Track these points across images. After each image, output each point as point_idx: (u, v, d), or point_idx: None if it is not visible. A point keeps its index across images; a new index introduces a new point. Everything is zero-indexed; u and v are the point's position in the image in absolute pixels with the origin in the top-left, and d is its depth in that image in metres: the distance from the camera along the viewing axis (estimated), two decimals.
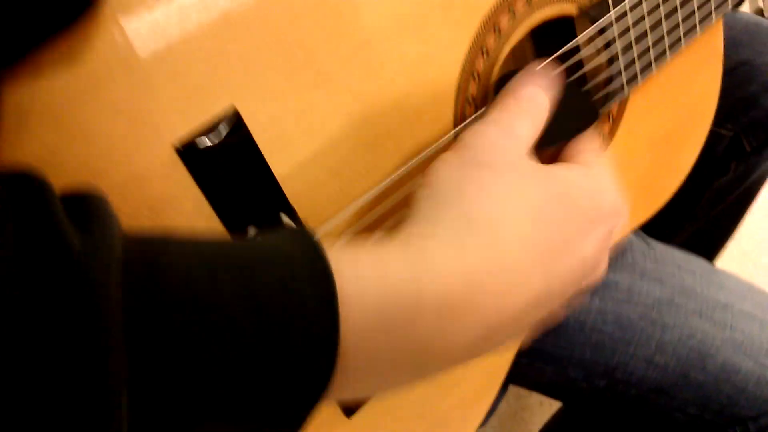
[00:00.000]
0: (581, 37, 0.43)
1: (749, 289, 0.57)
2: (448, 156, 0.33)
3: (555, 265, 0.31)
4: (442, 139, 0.39)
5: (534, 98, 0.35)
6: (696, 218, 0.83)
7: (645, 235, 0.60)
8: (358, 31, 0.34)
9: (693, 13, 0.47)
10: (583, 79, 0.45)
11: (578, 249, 0.32)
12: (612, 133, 0.48)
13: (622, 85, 0.46)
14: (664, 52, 0.47)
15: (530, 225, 0.30)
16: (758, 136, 0.74)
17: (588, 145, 0.38)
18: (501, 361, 0.50)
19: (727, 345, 0.53)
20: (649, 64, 0.47)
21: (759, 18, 0.75)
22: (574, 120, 0.40)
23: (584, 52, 0.44)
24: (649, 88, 0.49)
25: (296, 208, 0.34)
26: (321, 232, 0.36)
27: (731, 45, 0.71)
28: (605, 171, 0.36)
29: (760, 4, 1.89)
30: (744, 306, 0.55)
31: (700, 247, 0.84)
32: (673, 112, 0.52)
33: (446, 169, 0.33)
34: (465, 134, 0.34)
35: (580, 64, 0.44)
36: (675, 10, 0.46)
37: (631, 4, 0.44)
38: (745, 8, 1.93)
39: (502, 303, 0.28)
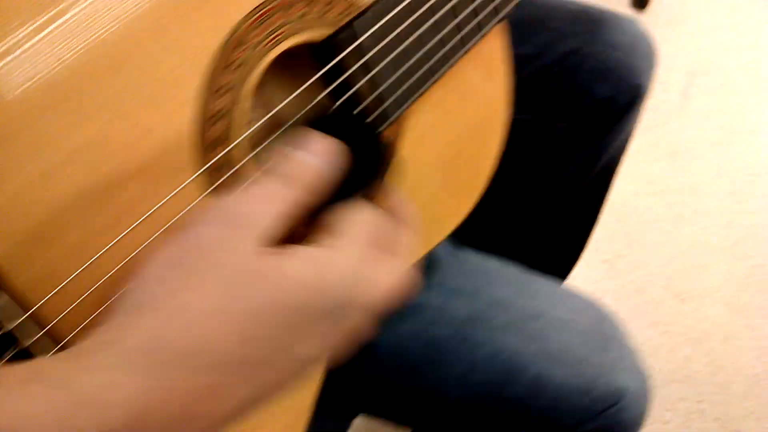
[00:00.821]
0: (330, 66, 0.41)
1: (564, 295, 0.57)
2: (161, 249, 0.30)
3: (261, 375, 0.28)
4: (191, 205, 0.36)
5: (292, 173, 0.31)
6: (551, 212, 0.83)
7: (457, 248, 0.58)
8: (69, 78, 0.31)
9: (458, 30, 0.46)
10: (352, 107, 0.43)
11: (292, 355, 0.29)
12: None
13: (390, 109, 0.44)
14: (431, 70, 0.45)
15: (235, 343, 0.27)
16: (595, 122, 0.73)
17: (347, 215, 0.32)
18: (302, 398, 0.48)
19: (539, 357, 0.52)
20: (418, 84, 0.45)
21: (585, 5, 0.74)
22: (362, 169, 0.35)
23: (345, 79, 0.42)
24: (428, 105, 0.47)
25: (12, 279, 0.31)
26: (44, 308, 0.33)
27: (559, 35, 0.70)
28: (351, 251, 0.31)
29: None
30: (558, 313, 0.54)
31: (573, 233, 0.84)
32: (460, 123, 0.50)
33: (153, 266, 0.29)
34: (189, 216, 0.31)
35: (344, 89, 0.42)
36: (437, 30, 0.45)
37: (382, 25, 0.42)
38: None
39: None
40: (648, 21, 1.96)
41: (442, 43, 0.45)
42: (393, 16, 0.42)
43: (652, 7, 1.97)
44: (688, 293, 1.39)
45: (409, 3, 0.42)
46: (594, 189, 0.82)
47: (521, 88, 0.73)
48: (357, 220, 0.31)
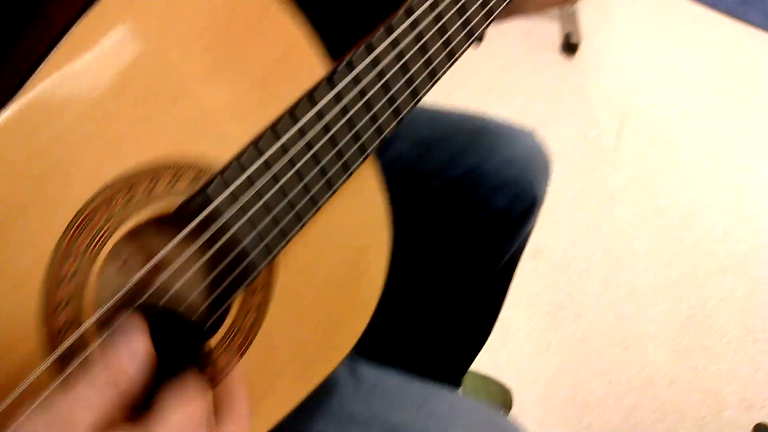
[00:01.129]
0: (179, 237, 0.41)
1: (465, 409, 0.57)
2: None
3: None
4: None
5: (108, 378, 0.32)
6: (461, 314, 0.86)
7: (356, 362, 0.59)
8: None
9: (322, 175, 0.46)
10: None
11: None
12: (263, 308, 0.46)
13: (257, 260, 0.44)
14: (298, 217, 0.46)
15: None
16: (495, 231, 0.77)
17: (166, 402, 0.33)
18: None
19: None
20: (285, 232, 0.45)
21: (483, 121, 0.78)
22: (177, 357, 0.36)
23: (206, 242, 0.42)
24: (305, 240, 0.48)
25: None
26: None
27: (460, 152, 0.73)
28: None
29: (572, 31, 1.98)
30: (456, 430, 0.55)
31: (475, 331, 0.87)
32: (340, 254, 0.50)
33: None
34: (27, 412, 0.31)
35: (204, 251, 0.42)
36: (300, 178, 0.45)
37: (236, 188, 0.42)
38: (555, 33, 2.02)
39: None
40: (578, 66, 2.02)
41: (307, 189, 0.45)
42: (249, 174, 0.42)
43: (581, 52, 2.02)
44: (630, 340, 1.41)
45: (265, 160, 0.43)
46: (495, 288, 0.87)
47: (429, 200, 0.76)
48: (173, 407, 0.32)
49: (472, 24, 0.52)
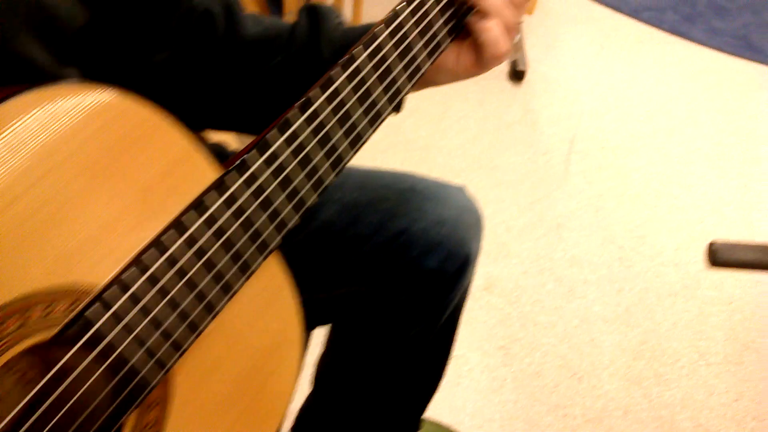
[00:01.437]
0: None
1: None
2: None
3: None
4: None
5: None
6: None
7: None
8: None
9: (216, 281, 0.45)
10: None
11: None
12: (160, 424, 0.45)
13: (150, 375, 0.43)
14: (192, 327, 0.44)
15: None
16: (431, 291, 0.76)
17: None
18: None
19: None
20: (180, 342, 0.44)
21: (412, 181, 0.77)
22: None
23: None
24: (209, 343, 0.46)
25: None
26: None
27: (389, 216, 0.73)
28: None
29: (518, 58, 1.99)
30: None
31: (421, 387, 0.87)
32: (246, 355, 0.49)
33: None
34: None
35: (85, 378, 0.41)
36: (192, 286, 0.44)
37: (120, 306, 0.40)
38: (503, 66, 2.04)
39: None
40: (526, 93, 2.04)
41: (200, 298, 0.44)
42: (133, 292, 0.41)
43: (528, 79, 2.03)
44: (584, 370, 1.41)
45: (150, 275, 0.41)
46: (439, 341, 0.86)
47: (362, 265, 0.75)
48: None
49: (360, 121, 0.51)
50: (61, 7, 0.47)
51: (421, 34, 0.53)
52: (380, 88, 0.51)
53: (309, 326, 0.91)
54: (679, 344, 1.47)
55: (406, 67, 0.52)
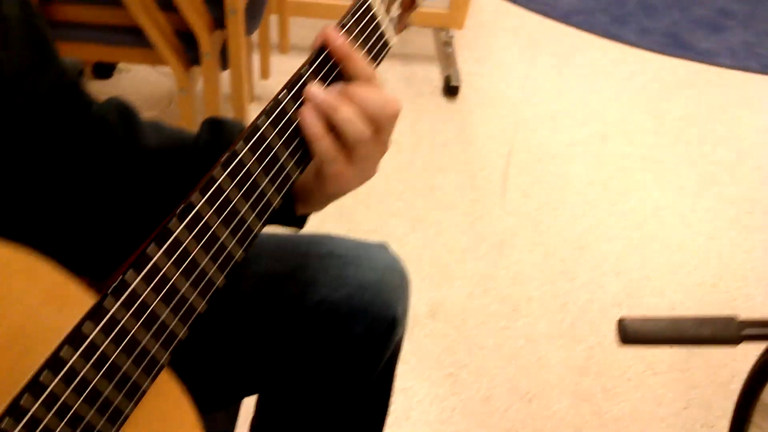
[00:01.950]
0: None
1: None
2: None
3: None
4: None
5: None
6: None
7: None
8: None
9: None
10: None
11: None
12: None
13: None
14: None
15: None
16: (361, 354, 0.74)
17: None
18: None
19: None
20: None
21: (330, 244, 0.75)
22: None
23: None
24: None
25: None
26: None
27: (308, 285, 0.70)
28: None
29: (452, 74, 1.98)
30: None
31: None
32: None
33: None
34: None
35: None
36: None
37: None
38: (436, 77, 2.02)
39: None
40: (461, 108, 2.03)
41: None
42: None
43: (462, 93, 2.02)
44: (533, 391, 1.40)
45: (31, 417, 0.38)
46: (374, 394, 0.84)
47: (285, 336, 0.72)
48: None
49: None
50: None
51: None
52: (266, 180, 0.49)
53: (237, 397, 0.88)
54: (625, 356, 1.48)
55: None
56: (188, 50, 1.28)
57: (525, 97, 2.09)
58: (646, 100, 2.16)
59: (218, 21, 1.25)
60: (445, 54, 2.04)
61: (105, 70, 1.82)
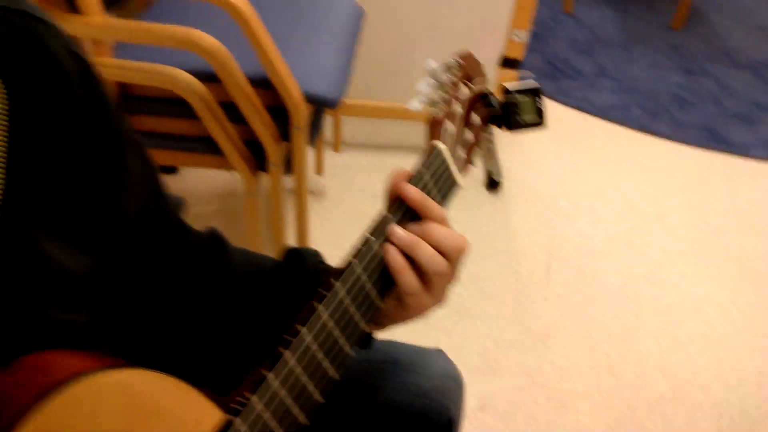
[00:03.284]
0: None
1: None
2: None
3: None
4: None
5: None
6: None
7: None
8: None
9: None
10: None
11: None
12: None
13: None
14: None
15: None
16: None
17: None
18: None
19: None
20: None
21: (393, 354, 0.81)
22: None
23: None
24: None
25: None
26: None
27: (371, 391, 0.78)
28: None
29: (493, 168, 2.08)
30: None
31: None
32: None
33: None
34: None
35: None
36: None
37: None
38: (478, 171, 2.12)
39: None
40: (504, 201, 2.11)
41: None
42: None
43: (504, 187, 2.11)
44: None
45: None
46: None
47: None
48: None
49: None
50: (73, 265, 0.53)
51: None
52: (356, 310, 0.57)
53: None
54: None
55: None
56: (256, 158, 1.40)
57: (564, 191, 2.16)
58: (683, 194, 2.22)
59: (284, 134, 1.36)
60: (488, 149, 2.14)
61: (172, 167, 1.95)
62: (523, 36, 1.97)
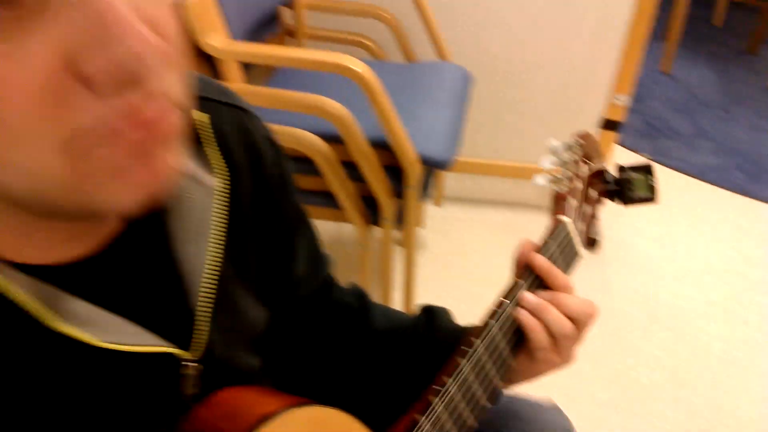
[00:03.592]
0: None
1: None
2: None
3: None
4: None
5: None
6: None
7: None
8: None
9: None
10: None
11: None
12: None
13: None
14: None
15: None
16: None
17: None
18: None
19: None
20: None
21: (514, 408, 0.87)
22: None
23: None
24: None
25: None
26: None
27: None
28: None
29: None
30: None
31: None
32: None
33: None
34: None
35: None
36: None
37: None
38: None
39: None
40: (602, 261, 2.14)
41: None
42: None
43: (603, 247, 2.14)
44: None
45: None
46: None
47: None
48: None
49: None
50: (258, 317, 0.63)
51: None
52: (493, 366, 0.64)
53: None
54: None
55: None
56: (370, 212, 1.50)
57: (663, 252, 2.17)
58: None
59: (397, 192, 1.46)
60: None
61: None
62: (624, 100, 2.02)
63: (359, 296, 0.80)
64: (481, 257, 2.09)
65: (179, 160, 0.39)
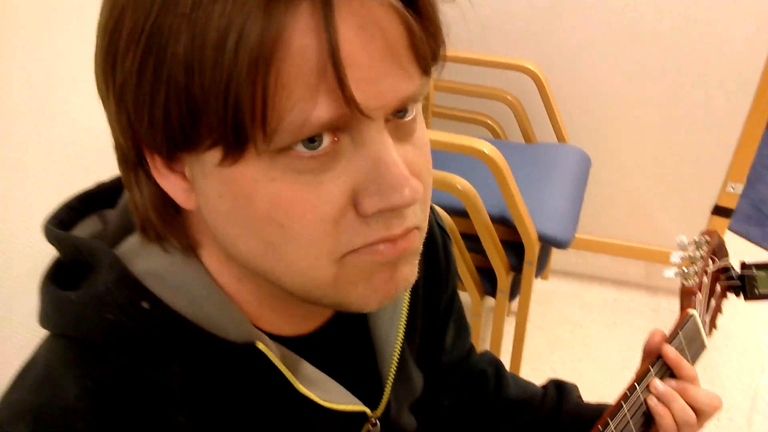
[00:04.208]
0: None
1: None
2: None
3: None
4: None
5: None
6: None
7: None
8: None
9: None
10: None
11: None
12: None
13: None
14: None
15: None
16: None
17: None
18: None
19: None
20: None
21: None
22: None
23: None
24: None
25: None
26: None
27: None
28: None
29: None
30: None
31: None
32: None
33: None
34: None
35: None
36: None
37: None
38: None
39: None
40: (707, 346, 2.12)
41: None
42: None
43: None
44: None
45: None
46: None
47: None
48: None
49: None
50: (419, 382, 0.73)
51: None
52: None
53: None
54: None
55: None
56: (484, 283, 1.60)
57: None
58: None
59: (513, 266, 1.55)
60: None
61: None
62: (738, 189, 2.05)
63: (494, 364, 0.88)
64: (584, 332, 2.13)
65: (415, 271, 0.49)
